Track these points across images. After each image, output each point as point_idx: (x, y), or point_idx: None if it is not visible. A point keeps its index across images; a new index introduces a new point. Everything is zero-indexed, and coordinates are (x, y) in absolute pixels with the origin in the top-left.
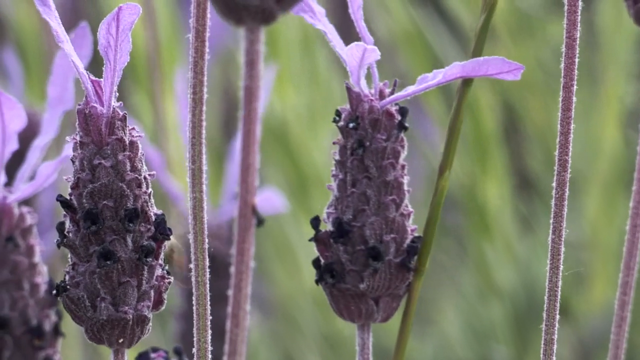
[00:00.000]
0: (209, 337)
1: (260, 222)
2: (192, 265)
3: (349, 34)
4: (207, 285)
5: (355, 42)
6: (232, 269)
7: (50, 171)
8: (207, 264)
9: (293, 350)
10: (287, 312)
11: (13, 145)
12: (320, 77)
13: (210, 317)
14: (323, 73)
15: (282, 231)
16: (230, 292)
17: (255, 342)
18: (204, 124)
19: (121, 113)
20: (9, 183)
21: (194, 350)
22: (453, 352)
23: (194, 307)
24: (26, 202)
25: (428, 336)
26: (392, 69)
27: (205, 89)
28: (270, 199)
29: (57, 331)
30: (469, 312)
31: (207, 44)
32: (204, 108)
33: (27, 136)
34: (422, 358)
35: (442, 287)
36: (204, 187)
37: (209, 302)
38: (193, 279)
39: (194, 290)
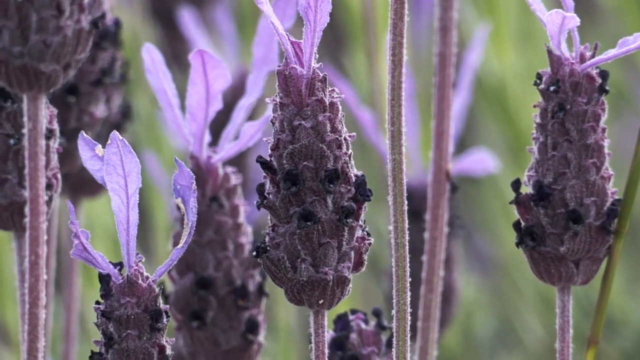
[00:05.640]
0: (408, 299)
1: (455, 188)
2: (391, 227)
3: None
4: (407, 247)
5: (555, 9)
6: (426, 235)
7: (254, 131)
8: (407, 225)
9: (511, 310)
10: (508, 272)
11: (217, 105)
12: (538, 37)
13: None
14: (541, 33)
15: (503, 191)
16: (424, 258)
17: (472, 302)
18: (404, 85)
19: (321, 74)
20: (213, 143)
21: (393, 311)
22: None
23: (393, 269)
24: (233, 162)
25: None
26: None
27: (404, 51)
28: (482, 160)
29: (261, 291)
30: None
31: (406, 5)
32: (404, 70)
33: (235, 96)
34: (638, 318)
35: None
36: (403, 149)
37: (408, 265)
38: (392, 240)
39: (392, 252)
